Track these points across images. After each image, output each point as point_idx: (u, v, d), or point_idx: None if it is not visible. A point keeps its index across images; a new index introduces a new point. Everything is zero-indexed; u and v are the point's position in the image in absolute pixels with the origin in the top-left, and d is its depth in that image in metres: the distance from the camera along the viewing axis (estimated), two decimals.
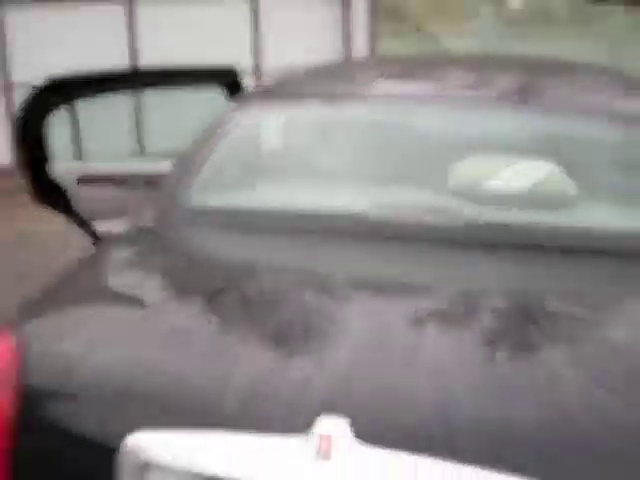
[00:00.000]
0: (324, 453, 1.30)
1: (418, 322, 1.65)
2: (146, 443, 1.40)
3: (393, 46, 9.98)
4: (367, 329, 1.61)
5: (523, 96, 2.40)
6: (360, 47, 9.82)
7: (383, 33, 10.35)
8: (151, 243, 2.16)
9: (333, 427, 1.33)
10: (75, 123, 3.59)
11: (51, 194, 3.64)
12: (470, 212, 2.06)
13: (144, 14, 9.35)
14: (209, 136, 2.42)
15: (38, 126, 3.51)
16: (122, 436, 1.42)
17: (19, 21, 9.21)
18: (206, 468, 1.35)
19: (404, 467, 1.29)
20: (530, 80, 2.62)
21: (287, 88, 2.66)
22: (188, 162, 2.37)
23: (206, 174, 2.33)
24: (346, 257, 2.00)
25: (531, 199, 2.12)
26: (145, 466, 1.39)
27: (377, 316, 1.68)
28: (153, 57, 9.05)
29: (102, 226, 3.55)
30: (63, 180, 3.62)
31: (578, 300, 1.77)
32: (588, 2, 11.09)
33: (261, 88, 2.74)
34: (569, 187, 2.14)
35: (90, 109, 3.65)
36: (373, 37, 9.88)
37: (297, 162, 2.47)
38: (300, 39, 9.49)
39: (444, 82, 2.62)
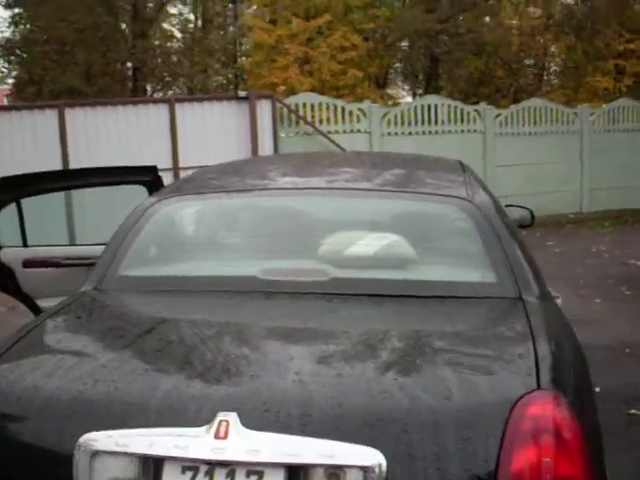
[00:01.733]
0: (223, 434, 1.74)
1: (288, 348, 2.14)
2: (95, 439, 1.80)
3: (293, 145, 10.64)
4: (250, 355, 2.08)
5: (375, 186, 2.95)
6: (266, 147, 10.43)
7: (284, 135, 11.02)
8: (88, 303, 2.58)
9: (228, 418, 1.76)
10: (20, 215, 3.96)
11: (1, 277, 3.96)
12: (333, 271, 2.55)
13: (73, 117, 9.71)
14: (134, 222, 2.85)
15: None
16: (77, 437, 1.82)
17: None
18: (137, 449, 1.77)
19: (274, 442, 1.72)
20: (383, 173, 3.17)
21: (195, 184, 3.14)
22: (118, 242, 2.79)
23: (132, 251, 2.75)
24: (240, 308, 2.46)
25: (379, 261, 2.64)
26: (95, 453, 1.79)
27: (258, 345, 2.16)
28: (81, 157, 9.37)
29: (44, 303, 3.87)
30: (11, 264, 3.97)
31: (402, 328, 2.28)
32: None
33: (175, 184, 3.21)
34: (408, 252, 2.67)
35: (35, 204, 4.04)
36: (276, 138, 10.51)
37: (203, 241, 2.94)
38: (213, 141, 10.02)
39: (315, 176, 3.15)
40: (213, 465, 1.74)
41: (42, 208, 4.27)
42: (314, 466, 1.70)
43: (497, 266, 2.53)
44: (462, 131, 11.93)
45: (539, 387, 1.84)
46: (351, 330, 2.27)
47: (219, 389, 1.88)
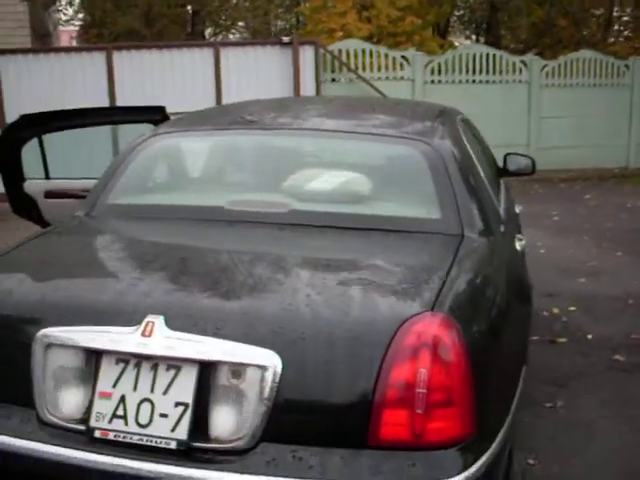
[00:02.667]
0: (148, 333, 2.05)
1: (228, 267, 2.45)
2: (49, 334, 2.14)
3: (335, 91, 10.81)
4: (191, 270, 2.40)
5: (344, 127, 3.19)
6: (308, 92, 10.62)
7: (326, 80, 11.19)
8: (75, 225, 2.94)
9: (154, 320, 2.06)
10: (42, 150, 4.32)
11: (25, 206, 4.36)
12: (293, 204, 2.82)
13: (121, 60, 10.08)
14: (125, 156, 3.17)
15: (14, 153, 4.25)
16: (36, 331, 2.16)
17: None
18: (82, 343, 2.10)
19: (190, 341, 2.01)
20: (358, 116, 3.41)
21: (186, 122, 3.43)
22: (109, 174, 3.12)
23: (120, 182, 3.07)
24: (202, 234, 2.77)
25: (336, 196, 2.89)
26: (48, 345, 2.13)
27: (202, 263, 2.47)
28: (127, 99, 9.75)
29: None
30: (34, 195, 4.35)
31: (337, 256, 2.57)
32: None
33: (168, 122, 3.50)
34: (364, 188, 2.92)
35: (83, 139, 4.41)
36: (318, 83, 10.69)
37: (183, 174, 3.25)
38: (256, 86, 10.26)
39: (294, 118, 3.40)
40: (140, 359, 2.05)
41: (90, 143, 4.64)
42: (221, 363, 2.00)
43: (444, 205, 2.75)
44: (507, 81, 11.88)
45: (432, 310, 2.06)
46: (291, 254, 2.56)
47: (153, 296, 2.20)
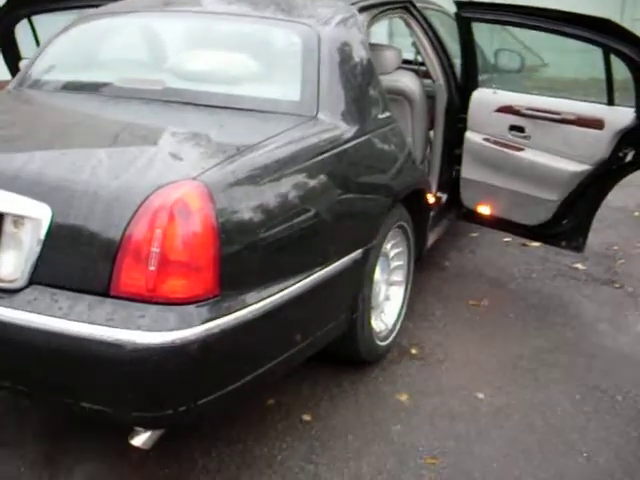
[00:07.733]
0: None
1: (64, 132, 2.72)
2: None
3: None
4: (30, 134, 2.69)
5: (235, 10, 3.35)
6: None
7: None
8: (5, 94, 3.33)
9: None
10: (34, 31, 4.69)
11: None
12: (170, 82, 3.06)
13: None
14: (51, 39, 3.49)
15: (8, 33, 4.65)
16: None
17: None
18: None
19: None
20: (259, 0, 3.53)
21: (105, 8, 3.68)
22: (36, 53, 3.47)
23: (41, 61, 3.43)
24: (83, 104, 3.07)
25: (209, 76, 3.09)
26: None
27: (45, 128, 2.78)
28: None
29: None
30: None
31: (173, 129, 2.74)
32: None
33: (96, 9, 3.77)
34: (239, 70, 3.11)
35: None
36: None
37: (91, 55, 3.50)
38: None
39: (193, 2, 3.59)
40: None
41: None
42: (7, 214, 2.27)
43: (305, 88, 2.90)
44: None
45: (194, 179, 2.19)
46: (126, 125, 2.80)
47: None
